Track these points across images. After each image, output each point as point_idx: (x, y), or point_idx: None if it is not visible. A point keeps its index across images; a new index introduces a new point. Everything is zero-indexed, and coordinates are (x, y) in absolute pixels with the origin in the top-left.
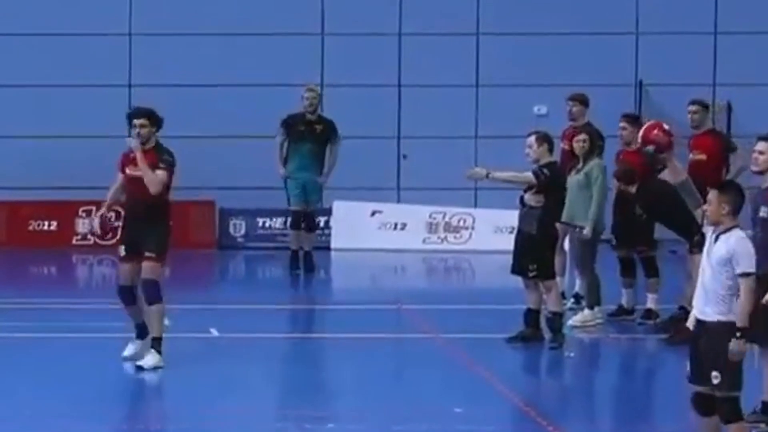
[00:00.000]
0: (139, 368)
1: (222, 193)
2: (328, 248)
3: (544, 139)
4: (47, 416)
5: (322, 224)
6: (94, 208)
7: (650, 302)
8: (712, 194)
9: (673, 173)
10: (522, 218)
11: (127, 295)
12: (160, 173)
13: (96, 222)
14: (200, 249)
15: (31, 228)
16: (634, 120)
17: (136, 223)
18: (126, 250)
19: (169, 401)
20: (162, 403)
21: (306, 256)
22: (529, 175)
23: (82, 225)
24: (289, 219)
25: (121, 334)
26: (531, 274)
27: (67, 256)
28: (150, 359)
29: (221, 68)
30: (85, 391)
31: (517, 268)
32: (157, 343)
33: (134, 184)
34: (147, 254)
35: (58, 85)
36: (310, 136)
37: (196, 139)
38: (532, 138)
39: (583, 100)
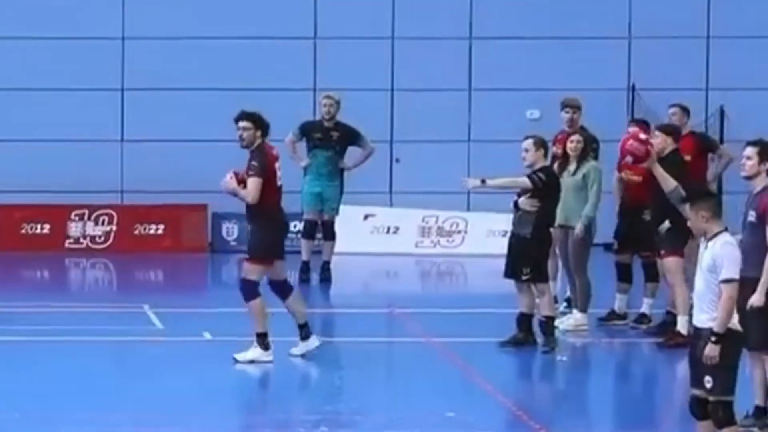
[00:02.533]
0: (235, 360)
1: (215, 197)
2: (320, 252)
3: (541, 143)
4: (38, 420)
5: None
6: (86, 211)
7: (645, 307)
8: (686, 208)
9: (662, 182)
10: (516, 222)
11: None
12: (250, 182)
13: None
14: (193, 253)
15: (23, 231)
16: (645, 125)
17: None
18: None
19: (161, 404)
20: (154, 407)
21: (324, 266)
22: (524, 180)
23: (74, 228)
24: (301, 227)
25: (113, 338)
26: (524, 278)
27: (60, 259)
28: (249, 353)
29: (213, 72)
30: (78, 395)
31: (510, 272)
32: (259, 339)
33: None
34: (245, 254)
35: (50, 89)
36: (326, 143)
37: (188, 142)
38: (530, 142)
39: (580, 106)
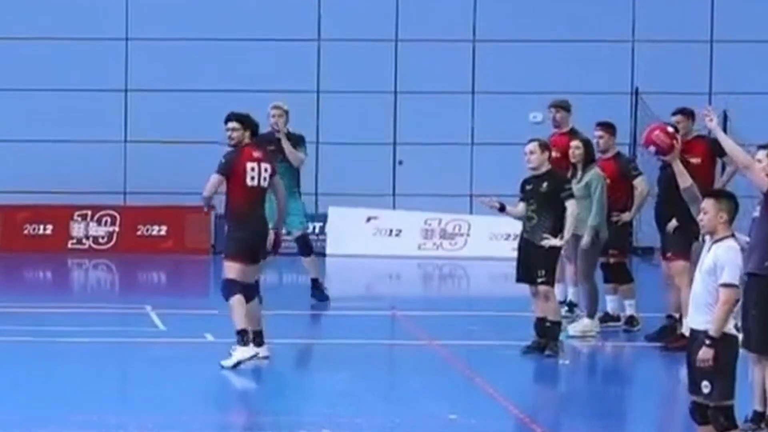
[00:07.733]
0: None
1: (218, 199)
2: (323, 254)
3: (546, 146)
4: (40, 421)
5: (317, 230)
6: (89, 212)
7: (629, 309)
8: (708, 203)
9: (679, 178)
10: (530, 230)
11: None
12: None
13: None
14: (196, 254)
15: (26, 232)
16: (610, 128)
17: None
18: None
19: (162, 405)
20: (156, 408)
21: (314, 284)
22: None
23: (77, 229)
24: None
25: (115, 339)
26: (540, 280)
27: (62, 260)
28: (236, 354)
29: (217, 74)
30: (79, 396)
31: (525, 276)
32: (239, 337)
33: None
34: None
35: (53, 89)
36: (281, 154)
37: (191, 144)
38: (535, 145)
39: (566, 106)
